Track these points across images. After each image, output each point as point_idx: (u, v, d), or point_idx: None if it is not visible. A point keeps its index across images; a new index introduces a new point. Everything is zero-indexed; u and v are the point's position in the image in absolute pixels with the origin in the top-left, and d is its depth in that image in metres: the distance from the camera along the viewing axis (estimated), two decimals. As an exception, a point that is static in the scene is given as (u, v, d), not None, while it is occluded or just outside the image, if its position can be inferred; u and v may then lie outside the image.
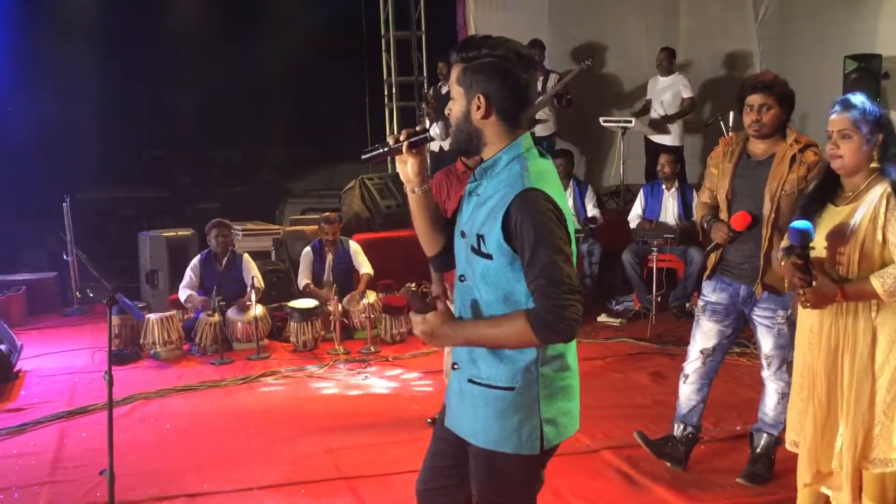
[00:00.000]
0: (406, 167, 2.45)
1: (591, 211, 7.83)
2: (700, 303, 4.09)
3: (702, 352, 4.04)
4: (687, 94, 8.69)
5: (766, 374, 3.96)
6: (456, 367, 2.42)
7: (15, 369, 6.07)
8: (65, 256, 8.23)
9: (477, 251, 2.28)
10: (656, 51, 8.92)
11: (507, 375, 2.29)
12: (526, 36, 8.90)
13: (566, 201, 2.32)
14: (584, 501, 3.89)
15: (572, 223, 2.33)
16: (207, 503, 4.01)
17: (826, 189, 3.08)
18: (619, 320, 7.27)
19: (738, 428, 4.67)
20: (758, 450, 4.06)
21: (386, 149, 2.47)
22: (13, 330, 6.68)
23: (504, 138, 2.31)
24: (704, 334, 4.03)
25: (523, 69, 2.27)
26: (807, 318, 3.11)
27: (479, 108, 2.28)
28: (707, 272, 4.05)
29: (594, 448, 4.51)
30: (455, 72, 2.32)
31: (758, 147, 3.82)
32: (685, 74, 8.88)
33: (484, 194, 2.30)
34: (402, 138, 2.42)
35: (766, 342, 3.90)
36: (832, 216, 3.00)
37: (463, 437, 2.40)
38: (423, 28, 10.20)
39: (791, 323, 3.76)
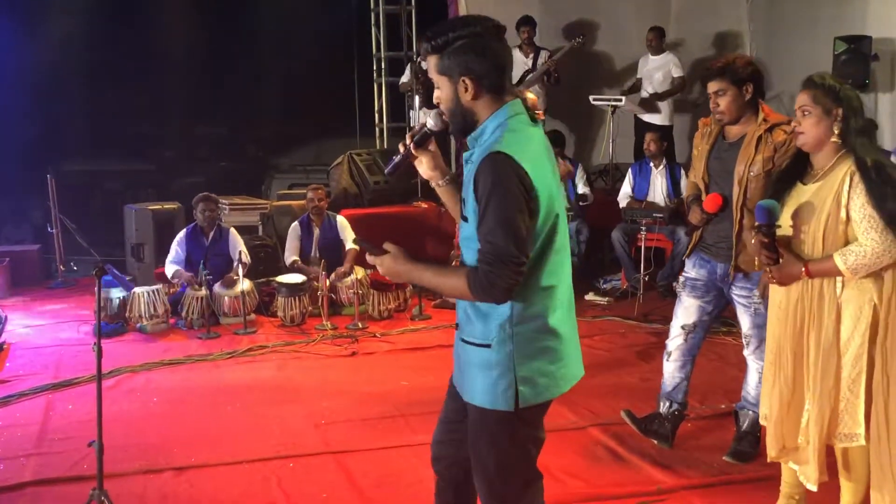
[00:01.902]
0: (423, 166, 2.57)
1: (582, 188, 7.84)
2: (681, 279, 4.14)
3: (683, 328, 4.08)
4: (677, 73, 8.68)
5: (747, 352, 4.00)
6: (458, 327, 2.50)
7: (-1, 341, 6.04)
8: (49, 229, 8.15)
9: (462, 216, 2.40)
10: (646, 28, 8.87)
11: (483, 333, 2.38)
12: (517, 12, 8.87)
13: (548, 168, 2.37)
14: (572, 477, 3.91)
15: (560, 194, 2.41)
16: (195, 476, 4.00)
17: (796, 168, 3.13)
18: (607, 299, 7.29)
19: (724, 406, 4.70)
20: (743, 427, 4.10)
21: (400, 157, 2.55)
22: (-3, 302, 6.64)
23: (492, 109, 2.37)
24: (685, 310, 4.07)
25: (495, 39, 2.34)
26: (776, 294, 3.17)
27: (466, 89, 2.35)
28: (687, 251, 4.10)
29: (581, 425, 4.54)
30: (432, 62, 2.37)
31: (732, 128, 3.84)
32: (676, 54, 8.86)
33: (472, 161, 2.38)
34: (407, 142, 2.51)
35: (745, 321, 3.94)
36: (800, 194, 3.05)
37: (460, 394, 2.51)
38: (413, 2, 10.10)
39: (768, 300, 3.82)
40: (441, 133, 2.51)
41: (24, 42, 9.29)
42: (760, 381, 3.93)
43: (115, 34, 9.93)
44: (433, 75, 2.40)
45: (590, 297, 7.37)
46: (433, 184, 2.62)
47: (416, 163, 2.58)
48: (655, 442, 4.17)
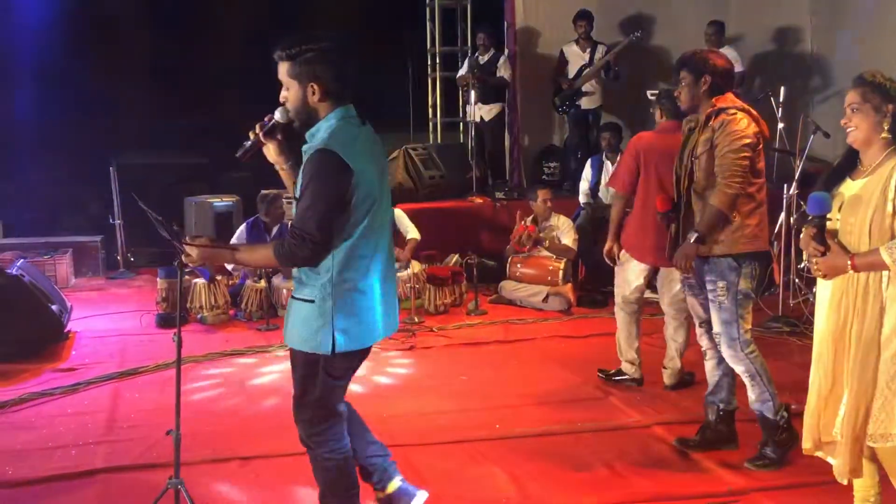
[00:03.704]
0: (270, 152, 3.07)
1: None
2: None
3: (700, 325, 4.13)
4: (737, 68, 8.48)
5: (725, 357, 3.94)
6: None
7: (65, 330, 6.16)
8: (111, 220, 8.30)
9: (294, 196, 2.93)
10: (705, 23, 8.71)
11: (310, 292, 2.91)
12: (574, 6, 8.80)
13: (371, 163, 2.90)
14: (639, 477, 3.88)
15: (382, 187, 2.95)
16: (261, 466, 4.05)
17: (846, 165, 3.14)
18: (664, 296, 7.19)
19: (794, 406, 4.61)
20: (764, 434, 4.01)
21: (250, 143, 3.04)
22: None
23: (329, 111, 2.90)
24: (692, 308, 4.18)
25: (339, 54, 2.89)
26: (821, 289, 3.15)
27: (313, 93, 2.87)
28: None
29: (645, 423, 4.50)
30: (284, 67, 2.87)
31: (698, 120, 3.97)
32: (735, 48, 8.71)
33: (305, 153, 2.91)
34: (257, 131, 3.01)
35: (714, 318, 3.93)
36: (848, 189, 3.06)
37: (286, 342, 3.06)
38: (469, -3, 10.05)
39: (734, 295, 3.82)
40: (285, 125, 3.00)
41: (82, 37, 9.45)
42: (753, 384, 3.93)
43: (170, 27, 10.07)
44: (283, 78, 2.89)
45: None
46: (278, 167, 3.12)
47: (265, 149, 3.06)
48: (724, 448, 4.12)
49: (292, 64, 2.85)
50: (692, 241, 3.83)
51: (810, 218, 3.05)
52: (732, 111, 3.82)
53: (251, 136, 3.02)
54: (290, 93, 2.90)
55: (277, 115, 2.97)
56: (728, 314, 3.84)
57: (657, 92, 5.28)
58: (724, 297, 3.83)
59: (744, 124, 3.79)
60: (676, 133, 4.87)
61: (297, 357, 3.03)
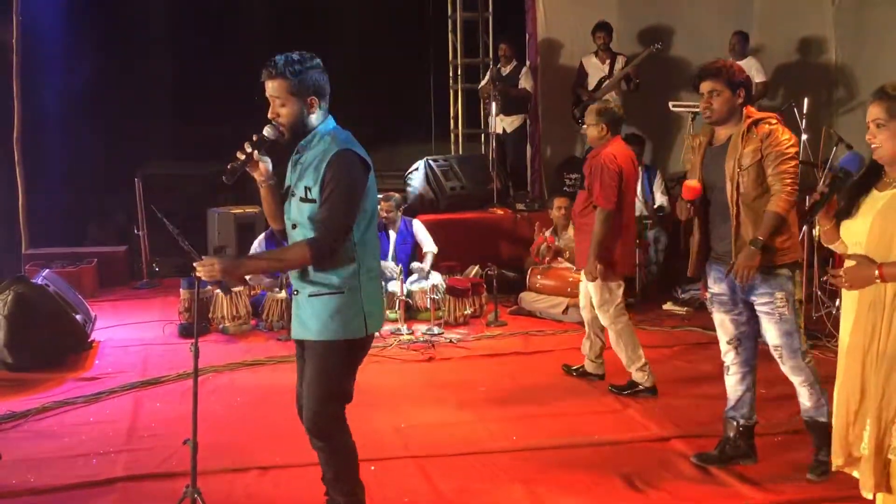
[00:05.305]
0: (259, 170, 3.16)
1: (659, 199, 7.78)
2: (708, 295, 4.11)
3: (728, 342, 4.05)
4: (759, 78, 8.45)
5: (785, 369, 3.90)
6: (297, 293, 3.20)
7: (89, 339, 6.23)
8: (136, 231, 8.39)
9: (305, 199, 3.08)
10: (727, 33, 8.69)
11: (337, 285, 3.10)
12: (594, 17, 8.81)
13: (369, 157, 3.16)
14: (656, 490, 3.86)
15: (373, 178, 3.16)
16: (279, 476, 4.07)
17: (871, 176, 3.10)
18: (686, 309, 7.17)
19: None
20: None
21: (239, 164, 3.09)
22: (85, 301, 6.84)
23: (321, 120, 3.14)
24: (721, 326, 4.06)
25: (323, 69, 3.12)
26: (847, 301, 3.12)
27: (311, 105, 3.09)
28: (691, 261, 4.09)
29: (663, 436, 4.47)
30: (283, 85, 3.04)
31: (720, 134, 3.93)
32: (758, 59, 8.67)
33: (307, 160, 3.12)
34: (248, 150, 3.08)
35: (771, 332, 3.85)
36: (874, 200, 3.01)
37: (310, 338, 3.17)
38: (491, 9, 10.07)
39: (792, 304, 3.78)
40: (273, 141, 3.11)
41: (108, 46, 9.56)
42: (811, 392, 3.89)
43: (196, 39, 10.17)
44: (279, 94, 3.05)
45: (668, 306, 7.26)
46: (263, 184, 3.20)
47: (254, 168, 3.13)
48: (741, 463, 4.08)
49: (292, 81, 3.04)
50: (757, 248, 3.72)
51: (837, 168, 3.02)
52: (773, 121, 3.84)
53: (240, 156, 3.09)
54: (287, 109, 3.08)
55: (269, 132, 3.10)
56: (789, 325, 3.80)
57: (594, 108, 5.31)
58: (785, 307, 3.78)
59: (785, 132, 3.81)
60: (627, 148, 5.21)
61: (324, 350, 3.14)
